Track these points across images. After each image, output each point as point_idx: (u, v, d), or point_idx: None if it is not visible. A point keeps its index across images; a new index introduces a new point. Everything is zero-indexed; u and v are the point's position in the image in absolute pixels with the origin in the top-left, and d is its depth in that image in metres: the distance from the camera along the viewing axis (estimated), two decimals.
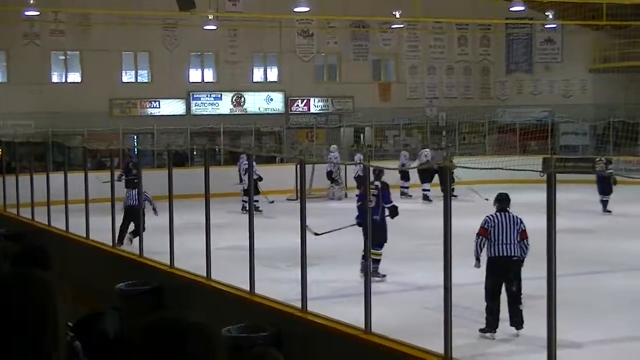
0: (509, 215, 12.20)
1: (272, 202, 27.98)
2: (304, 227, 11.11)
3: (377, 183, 15.59)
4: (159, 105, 37.73)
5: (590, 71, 42.93)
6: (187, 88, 38.30)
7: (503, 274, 11.93)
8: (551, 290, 7.96)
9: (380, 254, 15.73)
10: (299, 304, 11.07)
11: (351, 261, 15.63)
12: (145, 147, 33.43)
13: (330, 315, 10.84)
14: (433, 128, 40.21)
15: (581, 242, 19.36)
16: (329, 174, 30.63)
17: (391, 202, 15.99)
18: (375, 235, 12.62)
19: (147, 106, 37.59)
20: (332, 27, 40.13)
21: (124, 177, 25.31)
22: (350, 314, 10.70)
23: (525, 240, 11.89)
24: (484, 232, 12.05)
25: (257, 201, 27.62)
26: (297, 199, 25.12)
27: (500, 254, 11.88)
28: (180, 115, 37.67)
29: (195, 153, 35.57)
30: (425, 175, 29.48)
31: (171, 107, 37.88)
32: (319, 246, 16.01)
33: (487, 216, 12.24)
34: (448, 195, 9.20)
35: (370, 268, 10.59)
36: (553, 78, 43.46)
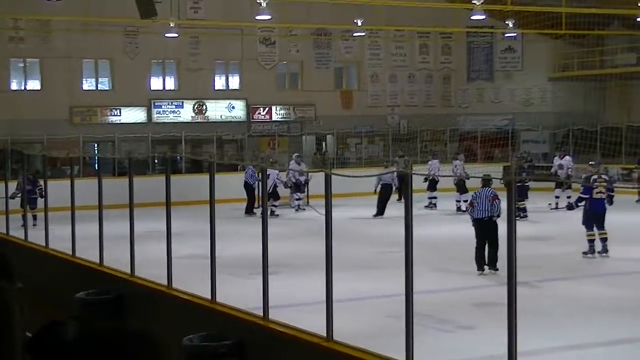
0: (487, 190, 17.16)
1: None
2: (265, 235, 11.10)
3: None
4: (120, 113, 37.52)
5: (550, 79, 43.29)
6: (149, 96, 38.12)
7: (483, 230, 16.85)
8: (511, 298, 8.00)
9: None
10: (260, 312, 11.06)
11: (312, 269, 15.62)
12: (106, 155, 33.23)
13: (292, 323, 10.83)
14: (395, 136, 40.29)
15: (540, 249, 19.46)
16: (298, 185, 30.12)
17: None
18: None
19: (108, 114, 37.37)
20: (294, 35, 40.15)
21: (18, 195, 23.54)
22: (312, 322, 10.69)
23: (495, 202, 16.75)
24: (471, 204, 17.44)
25: (275, 206, 27.85)
26: (258, 207, 25.19)
27: (479, 216, 17.00)
28: (141, 123, 37.47)
29: (156, 161, 35.40)
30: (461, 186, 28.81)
31: (132, 114, 37.69)
32: (281, 254, 16.02)
33: (474, 192, 17.62)
34: (409, 204, 9.22)
35: None
36: (513, 86, 43.76)
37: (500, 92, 43.96)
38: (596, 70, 40.81)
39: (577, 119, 38.64)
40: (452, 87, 44.00)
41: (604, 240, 18.71)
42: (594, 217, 18.66)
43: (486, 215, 16.87)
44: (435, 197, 29.84)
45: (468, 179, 28.88)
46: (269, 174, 28.04)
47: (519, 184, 26.74)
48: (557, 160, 29.79)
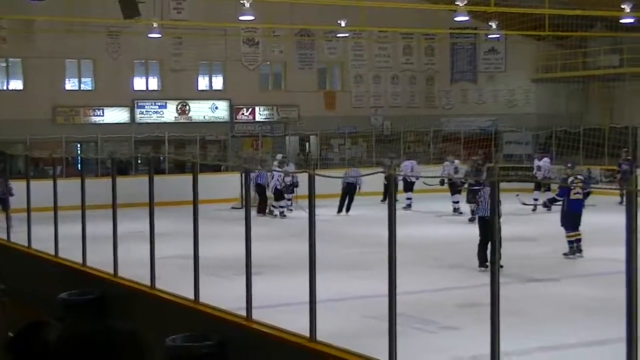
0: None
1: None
2: (249, 236, 11.09)
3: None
4: (103, 113, 37.42)
5: (533, 81, 43.45)
6: (132, 96, 38.03)
7: (486, 228, 16.85)
8: (494, 298, 8.03)
9: None
10: (243, 313, 11.05)
11: (295, 269, 15.61)
12: (89, 155, 33.13)
13: (275, 323, 10.83)
14: (378, 137, 40.33)
15: (523, 250, 19.53)
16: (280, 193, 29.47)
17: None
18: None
19: (91, 114, 37.26)
20: (277, 35, 40.14)
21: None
22: (295, 323, 10.69)
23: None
24: (477, 202, 18.46)
25: (282, 207, 27.94)
26: (242, 208, 25.14)
27: (483, 215, 17.32)
28: (124, 123, 37.38)
29: (139, 161, 35.31)
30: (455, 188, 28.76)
31: (115, 115, 37.59)
32: (265, 255, 16.01)
33: (481, 190, 18.07)
34: (392, 204, 9.22)
35: None
36: (497, 87, 43.89)
37: (483, 93, 44.08)
38: (579, 71, 40.94)
39: (560, 120, 38.84)
40: (436, 88, 44.06)
41: (578, 241, 18.86)
42: (573, 218, 18.80)
43: (489, 214, 16.98)
44: (410, 199, 29.95)
45: (440, 183, 29.03)
46: (273, 175, 28.10)
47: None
48: (535, 162, 30.03)
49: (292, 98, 40.77)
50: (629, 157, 31.37)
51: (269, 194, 28.67)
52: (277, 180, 28.18)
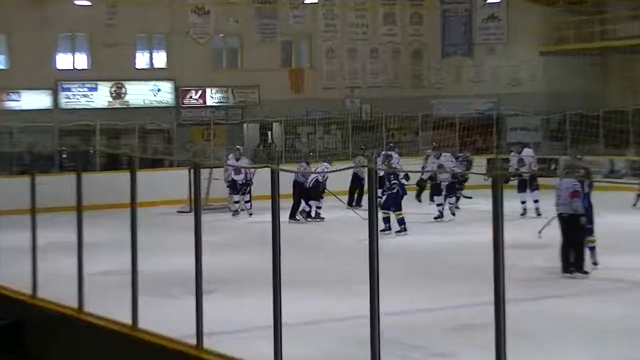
0: (569, 181, 17.48)
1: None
2: (199, 245, 10.98)
3: None
4: (20, 97, 37.30)
5: (542, 54, 43.50)
6: (55, 76, 37.89)
7: (563, 227, 17.48)
8: (500, 316, 7.96)
9: None
10: (193, 341, 10.95)
11: (257, 286, 15.50)
12: (2, 148, 32.92)
13: (232, 353, 10.74)
14: (355, 123, 40.28)
15: (525, 260, 19.45)
16: (235, 184, 29.64)
17: None
18: None
19: (5, 98, 37.20)
20: (232, 2, 40.09)
21: None
22: (256, 351, 10.61)
23: (574, 199, 17.20)
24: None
25: (319, 207, 28.13)
26: (190, 211, 25.02)
27: (559, 211, 17.59)
28: (45, 109, 37.27)
29: (64, 156, 35.13)
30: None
31: (35, 99, 37.52)
32: (219, 269, 15.89)
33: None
34: (374, 206, 9.14)
35: None
36: (498, 63, 43.99)
37: (481, 70, 44.21)
38: (596, 42, 41.11)
39: (574, 102, 38.88)
40: (424, 64, 44.20)
41: (592, 249, 18.72)
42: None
43: (566, 211, 17.44)
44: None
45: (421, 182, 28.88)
46: (315, 169, 28.24)
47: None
48: (514, 157, 29.21)
49: (251, 78, 40.74)
50: None
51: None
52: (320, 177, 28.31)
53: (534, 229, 21.03)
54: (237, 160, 30.02)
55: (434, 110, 42.34)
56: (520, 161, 28.79)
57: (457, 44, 44.32)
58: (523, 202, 27.34)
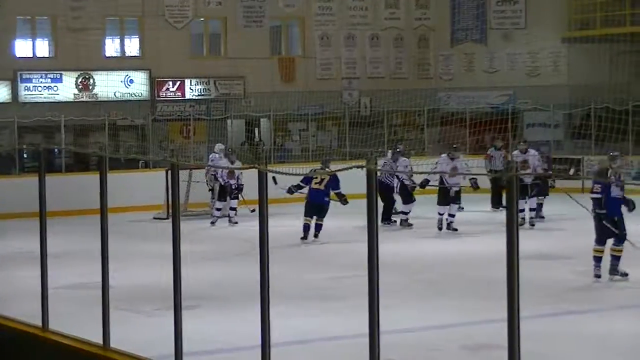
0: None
1: (253, 210, 27.65)
2: (178, 256, 11.08)
3: None
4: None
5: (564, 41, 43.55)
6: (13, 66, 37.87)
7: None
8: (513, 337, 8.06)
9: None
10: None
11: (243, 301, 15.60)
12: None
13: None
14: (353, 119, 40.32)
15: (545, 272, 19.54)
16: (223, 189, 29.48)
17: None
18: None
19: None
20: None
21: None
22: None
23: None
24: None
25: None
26: (167, 218, 25.09)
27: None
28: (3, 103, 37.24)
29: (25, 155, 35.16)
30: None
31: None
32: (200, 282, 15.98)
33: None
34: (373, 209, 9.24)
35: None
36: (514, 50, 44.00)
37: (496, 58, 44.21)
38: (626, 27, 41.14)
39: (600, 94, 38.93)
40: (431, 52, 44.24)
41: (616, 258, 18.84)
42: (612, 224, 18.81)
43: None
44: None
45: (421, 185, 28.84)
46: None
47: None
48: (518, 156, 29.05)
49: (236, 67, 40.74)
50: None
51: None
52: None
53: (547, 238, 21.10)
54: (232, 162, 29.52)
55: (441, 104, 42.43)
56: (525, 162, 28.60)
57: (468, 29, 44.32)
58: (521, 211, 27.01)
